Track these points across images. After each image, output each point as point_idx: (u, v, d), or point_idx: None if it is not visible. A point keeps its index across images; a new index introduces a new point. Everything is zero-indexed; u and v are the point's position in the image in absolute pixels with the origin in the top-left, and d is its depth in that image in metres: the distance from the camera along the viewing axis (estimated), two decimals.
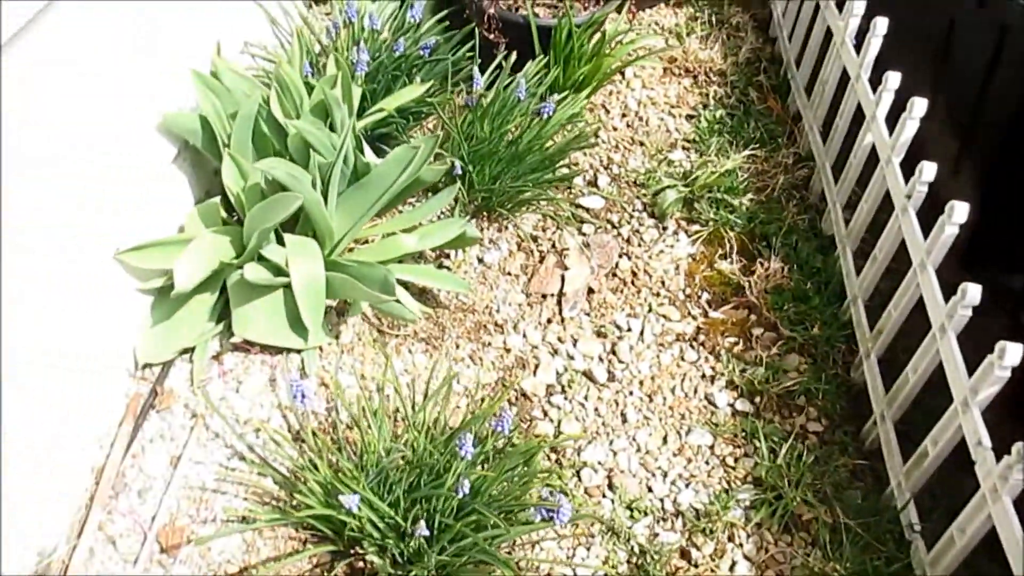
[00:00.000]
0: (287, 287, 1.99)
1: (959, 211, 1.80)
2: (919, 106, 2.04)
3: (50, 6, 1.63)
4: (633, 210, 2.62)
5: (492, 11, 2.77)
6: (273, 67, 2.59)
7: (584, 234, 2.51)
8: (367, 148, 2.18)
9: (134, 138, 2.00)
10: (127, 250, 1.92)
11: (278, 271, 1.98)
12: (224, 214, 2.13)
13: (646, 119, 2.98)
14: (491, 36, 2.80)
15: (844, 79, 2.55)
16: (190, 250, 1.91)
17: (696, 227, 2.55)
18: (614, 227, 2.56)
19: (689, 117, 3.00)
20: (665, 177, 2.69)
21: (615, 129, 2.94)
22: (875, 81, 2.30)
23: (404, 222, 2.24)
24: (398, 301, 2.00)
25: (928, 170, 1.94)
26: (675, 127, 2.95)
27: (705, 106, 3.03)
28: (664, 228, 2.56)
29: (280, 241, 2.03)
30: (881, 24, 2.32)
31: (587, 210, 2.60)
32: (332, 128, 2.12)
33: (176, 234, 2.10)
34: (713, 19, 3.45)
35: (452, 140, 2.44)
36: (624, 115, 3.00)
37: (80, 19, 1.75)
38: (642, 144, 2.86)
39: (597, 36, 2.85)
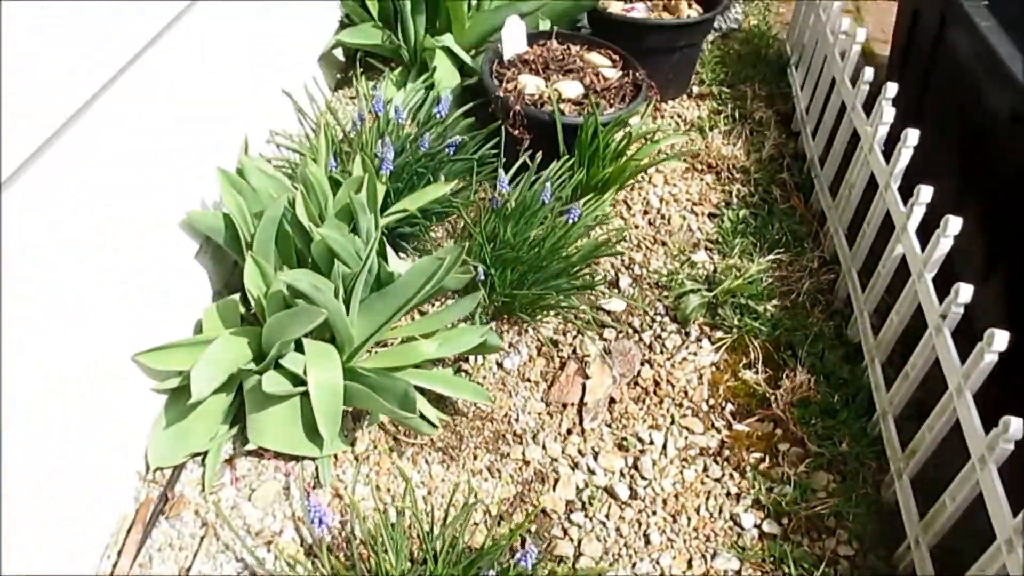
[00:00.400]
0: (304, 395, 1.94)
1: (999, 339, 1.75)
2: (953, 224, 2.01)
3: (88, 106, 1.63)
4: (655, 314, 2.58)
5: (518, 108, 2.77)
6: (299, 158, 2.58)
7: (605, 339, 2.47)
8: (388, 249, 2.15)
9: (158, 234, 1.98)
10: (144, 352, 1.88)
11: (296, 379, 1.94)
12: (243, 309, 2.10)
13: (668, 217, 2.95)
14: (516, 132, 2.80)
15: (871, 183, 2.52)
16: (207, 357, 1.87)
17: (720, 334, 2.51)
18: (636, 332, 2.52)
19: (712, 216, 2.98)
20: (688, 280, 2.65)
21: (637, 227, 2.92)
22: (904, 189, 2.27)
23: (424, 327, 2.19)
24: (421, 415, 1.95)
25: (964, 292, 1.89)
26: (698, 226, 2.92)
27: (728, 204, 3.01)
28: (687, 334, 2.51)
29: (299, 346, 1.99)
30: (912, 136, 2.29)
31: (608, 313, 2.56)
32: (356, 231, 2.09)
33: (193, 336, 2.06)
34: (736, 113, 3.45)
35: (474, 241, 2.42)
36: (646, 212, 2.98)
37: (115, 122, 1.74)
38: (664, 244, 2.83)
39: (622, 133, 2.84)
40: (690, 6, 3.52)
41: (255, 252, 1.99)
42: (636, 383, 2.37)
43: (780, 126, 3.42)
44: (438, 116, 2.62)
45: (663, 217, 2.96)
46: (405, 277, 1.96)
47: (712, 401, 2.35)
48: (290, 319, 1.84)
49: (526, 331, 2.46)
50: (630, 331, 2.52)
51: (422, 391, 2.12)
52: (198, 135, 2.10)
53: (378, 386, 1.95)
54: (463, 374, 2.33)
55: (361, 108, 2.66)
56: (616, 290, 2.63)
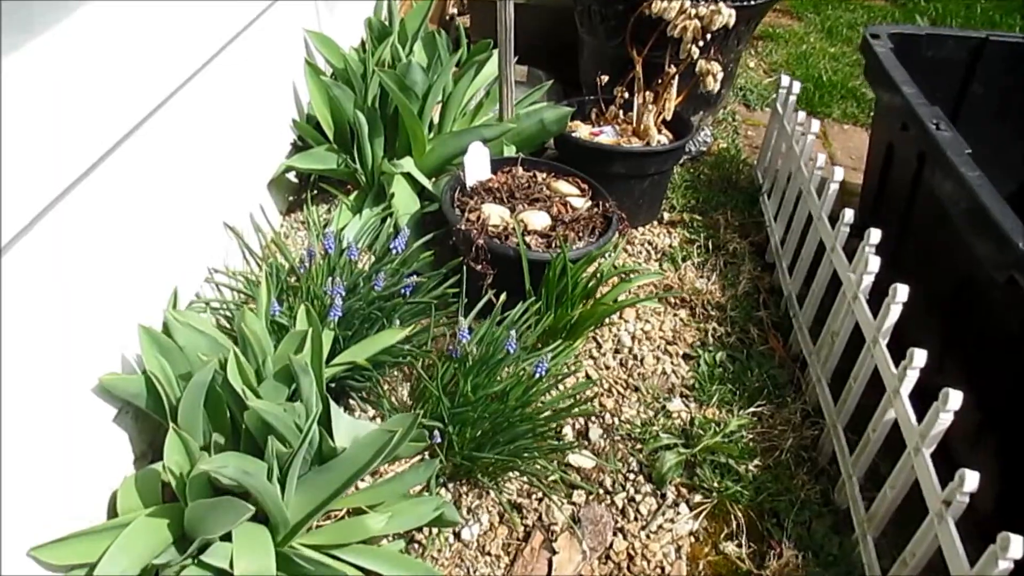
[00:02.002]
0: None
1: (1014, 545, 1.56)
2: (954, 399, 1.83)
3: None
4: (628, 471, 2.36)
5: (480, 242, 2.59)
6: (238, 303, 2.37)
7: (574, 503, 2.24)
8: (333, 406, 1.92)
9: (72, 400, 1.74)
10: (42, 546, 1.62)
11: (221, 573, 1.68)
12: (166, 477, 1.84)
13: (641, 358, 2.76)
14: (478, 267, 2.61)
15: (856, 330, 2.37)
16: (115, 551, 1.62)
17: (698, 497, 2.29)
18: (608, 493, 2.29)
19: (687, 357, 2.79)
20: (663, 432, 2.45)
21: (607, 368, 2.72)
22: (892, 347, 2.12)
23: (370, 498, 1.95)
24: None
25: (970, 480, 1.71)
26: (672, 369, 2.73)
27: (704, 344, 2.83)
28: (663, 496, 2.29)
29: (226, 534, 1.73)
30: (902, 292, 2.14)
31: (577, 470, 2.34)
32: (297, 394, 1.86)
33: (106, 518, 1.80)
34: (709, 244, 3.31)
35: (430, 396, 2.20)
36: (617, 351, 2.79)
37: (19, 273, 1.52)
38: (637, 389, 2.64)
39: (592, 269, 2.67)
40: (660, 131, 3.42)
41: (180, 423, 1.75)
42: (608, 557, 2.13)
43: (754, 257, 3.29)
44: (394, 252, 2.43)
45: (636, 358, 2.77)
46: (350, 452, 1.73)
47: None
48: (214, 512, 1.60)
49: (487, 494, 2.22)
50: (601, 492, 2.29)
51: (367, 573, 1.87)
52: (120, 283, 1.88)
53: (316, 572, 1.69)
54: (416, 546, 2.08)
55: (311, 242, 2.47)
56: (586, 442, 2.42)
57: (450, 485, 2.22)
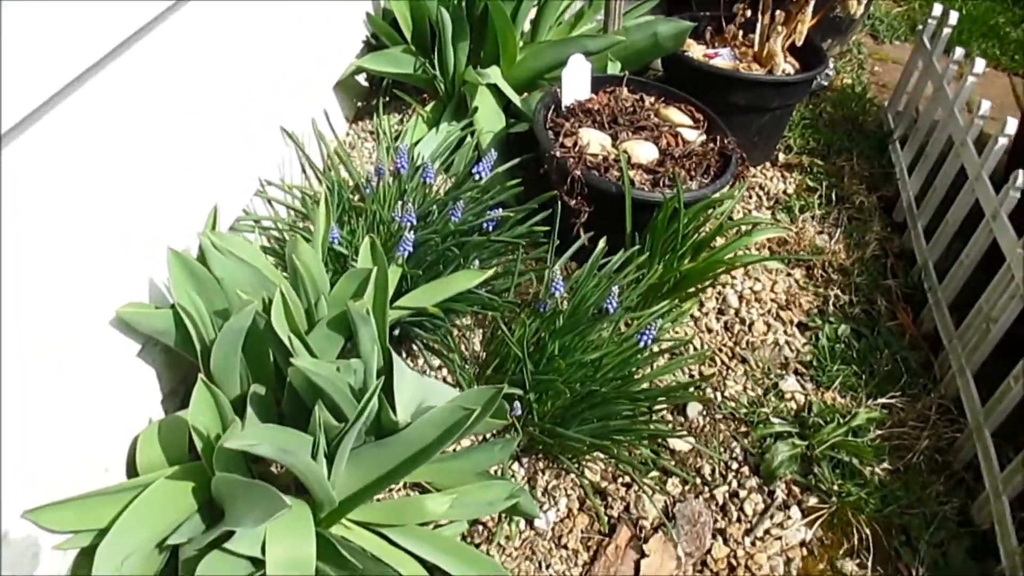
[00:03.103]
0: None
1: None
2: None
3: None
4: (731, 458, 2.00)
5: (577, 173, 2.20)
6: (292, 220, 2.03)
7: (668, 493, 1.89)
8: (396, 361, 1.58)
9: (87, 330, 1.43)
10: (40, 508, 1.33)
11: (253, 561, 1.38)
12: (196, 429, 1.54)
13: (750, 323, 2.38)
14: (572, 203, 2.23)
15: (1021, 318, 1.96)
16: (128, 521, 1.32)
17: (814, 500, 1.93)
18: (706, 485, 1.94)
19: (803, 327, 2.40)
20: (775, 417, 2.08)
21: (709, 331, 2.35)
22: None
23: (432, 474, 1.63)
24: None
25: None
26: (786, 340, 2.34)
27: (822, 313, 2.43)
28: (771, 495, 1.94)
29: None
30: None
31: (672, 453, 1.99)
32: (355, 348, 1.53)
33: (115, 483, 1.50)
34: (832, 195, 2.87)
35: (509, 353, 1.85)
36: (722, 312, 2.41)
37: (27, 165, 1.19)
38: (744, 361, 2.26)
39: (707, 220, 2.27)
40: (786, 59, 2.95)
41: (212, 371, 1.43)
42: (705, 565, 1.79)
43: (883, 215, 2.84)
44: (477, 177, 2.06)
45: (743, 322, 2.38)
46: (415, 429, 1.40)
47: None
48: (244, 499, 1.28)
49: (566, 474, 1.89)
50: (699, 482, 1.94)
51: (422, 562, 1.56)
52: (150, 193, 1.55)
53: (361, 572, 1.38)
54: (480, 531, 1.77)
55: (380, 157, 2.11)
56: (681, 419, 2.06)
57: (524, 460, 1.89)
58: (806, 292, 2.52)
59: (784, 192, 2.92)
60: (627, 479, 1.92)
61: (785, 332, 2.37)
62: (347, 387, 1.40)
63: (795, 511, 1.90)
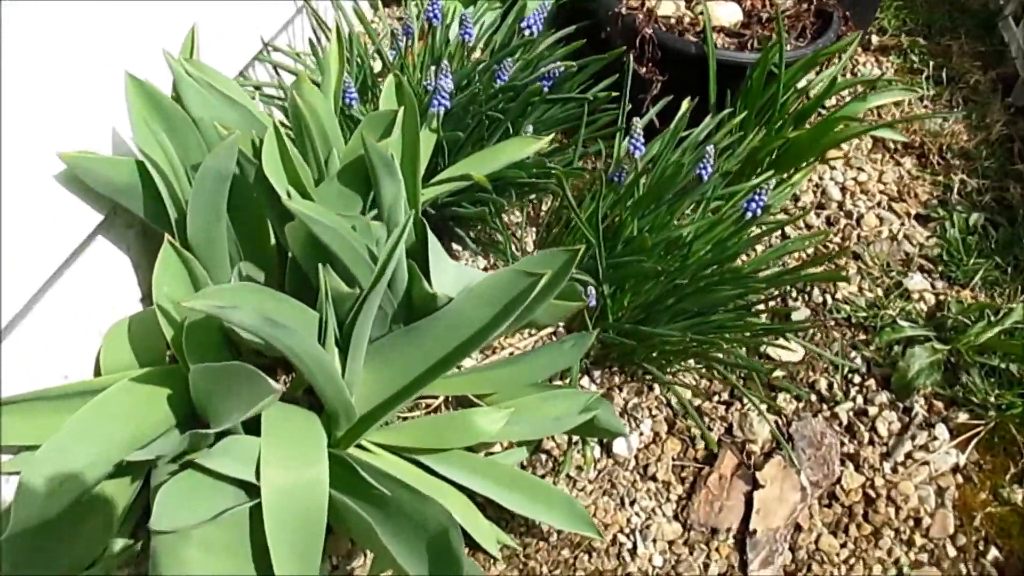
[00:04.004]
0: (257, 507, 1.02)
1: None
2: None
3: None
4: (850, 371, 1.60)
5: (648, 32, 1.79)
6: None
7: (778, 411, 1.50)
8: (433, 241, 1.19)
9: (34, 193, 1.06)
10: None
11: (243, 484, 1.01)
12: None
13: (857, 216, 1.96)
14: (643, 70, 1.82)
15: None
16: (74, 429, 0.96)
17: (963, 416, 1.52)
18: (823, 401, 1.55)
19: (924, 219, 1.98)
20: (903, 320, 1.67)
21: (808, 227, 1.94)
22: None
23: (480, 384, 1.25)
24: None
25: None
26: (904, 234, 1.93)
27: (945, 203, 2.00)
28: (909, 411, 1.53)
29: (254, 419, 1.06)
30: None
31: (776, 364, 1.59)
32: (377, 207, 1.15)
33: (74, 381, 1.15)
34: (943, 75, 2.42)
35: (575, 233, 1.46)
36: (822, 207, 1.99)
37: None
38: (857, 258, 1.85)
39: (804, 90, 1.85)
40: None
41: (192, 243, 1.06)
42: (834, 498, 1.40)
43: (1003, 96, 2.40)
44: (527, 32, 1.66)
45: (849, 216, 1.96)
46: (460, 303, 1.02)
47: (963, 540, 1.37)
48: (220, 383, 0.91)
49: (648, 390, 1.50)
50: (813, 399, 1.55)
51: (471, 496, 1.19)
52: (113, 21, 1.17)
53: (393, 507, 1.01)
54: (543, 460, 1.39)
55: (409, 17, 1.71)
56: (786, 324, 1.66)
57: (596, 373, 1.51)
58: (921, 181, 2.09)
59: (882, 78, 2.47)
60: (724, 396, 1.53)
61: (902, 225, 1.95)
62: (365, 249, 1.02)
63: (941, 430, 1.50)
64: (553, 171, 1.37)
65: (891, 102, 2.12)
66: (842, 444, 1.47)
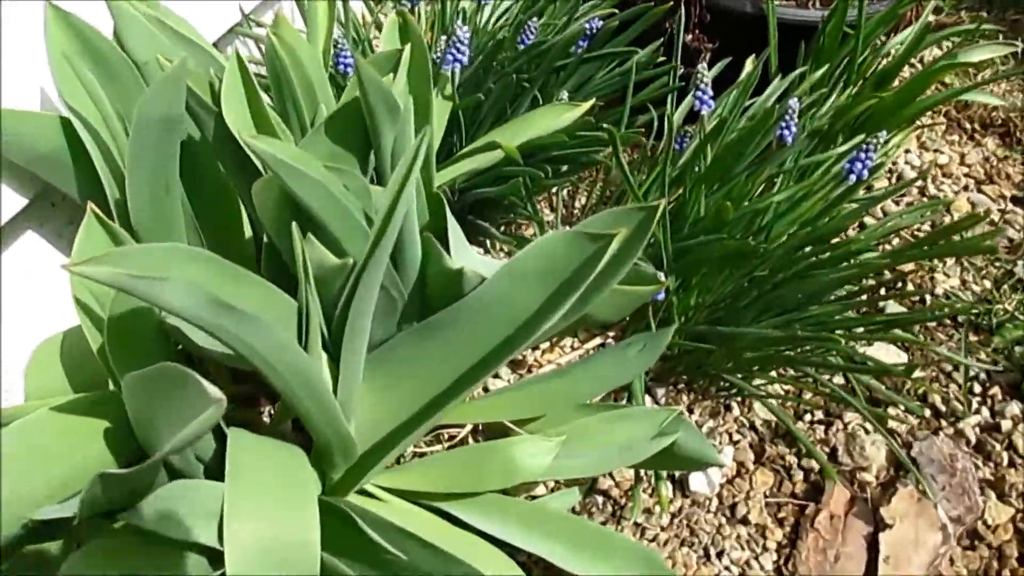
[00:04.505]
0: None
1: None
2: None
3: None
4: (969, 378, 1.30)
5: None
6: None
7: (891, 430, 1.20)
8: (453, 228, 0.90)
9: None
10: None
11: (199, 547, 0.72)
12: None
13: (944, 199, 1.68)
14: (688, 38, 1.55)
15: None
16: None
17: None
18: (940, 417, 1.25)
19: (1022, 202, 1.69)
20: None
21: (884, 214, 1.65)
22: None
23: (522, 406, 0.96)
24: None
25: None
26: (1004, 218, 1.64)
27: None
28: None
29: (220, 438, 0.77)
30: None
31: (870, 369, 1.29)
32: (376, 172, 0.87)
33: None
34: (1020, 52, 2.14)
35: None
36: (902, 194, 1.71)
37: None
38: (951, 245, 1.55)
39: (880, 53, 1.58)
40: None
41: (135, 224, 0.79)
42: (976, 536, 1.09)
43: None
44: None
45: (931, 200, 1.68)
46: (496, 285, 0.73)
47: None
48: (156, 402, 0.63)
49: (726, 408, 1.21)
50: (928, 415, 1.25)
51: (513, 554, 0.89)
52: None
53: (410, 572, 0.71)
54: (599, 503, 1.09)
55: None
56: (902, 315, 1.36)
57: (658, 392, 1.21)
58: (1011, 161, 1.81)
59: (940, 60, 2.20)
60: (818, 414, 1.23)
61: (1000, 208, 1.66)
62: (360, 212, 0.73)
63: None
64: (603, 132, 1.08)
65: (985, 58, 1.83)
66: (976, 468, 1.16)
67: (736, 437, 1.17)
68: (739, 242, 1.00)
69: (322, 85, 0.97)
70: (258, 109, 0.83)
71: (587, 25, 1.29)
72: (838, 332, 1.04)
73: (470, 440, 1.09)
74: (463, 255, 0.89)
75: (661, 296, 1.00)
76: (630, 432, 0.94)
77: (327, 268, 0.68)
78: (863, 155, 1.04)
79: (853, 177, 1.05)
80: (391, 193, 0.62)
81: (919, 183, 1.73)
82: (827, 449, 1.17)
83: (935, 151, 1.84)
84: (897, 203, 1.69)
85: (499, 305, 0.73)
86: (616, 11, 1.30)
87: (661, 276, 0.82)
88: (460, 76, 1.27)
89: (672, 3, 1.44)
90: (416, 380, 0.80)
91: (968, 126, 1.93)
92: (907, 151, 1.83)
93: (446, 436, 1.05)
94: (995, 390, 1.29)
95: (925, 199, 1.70)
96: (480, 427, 1.09)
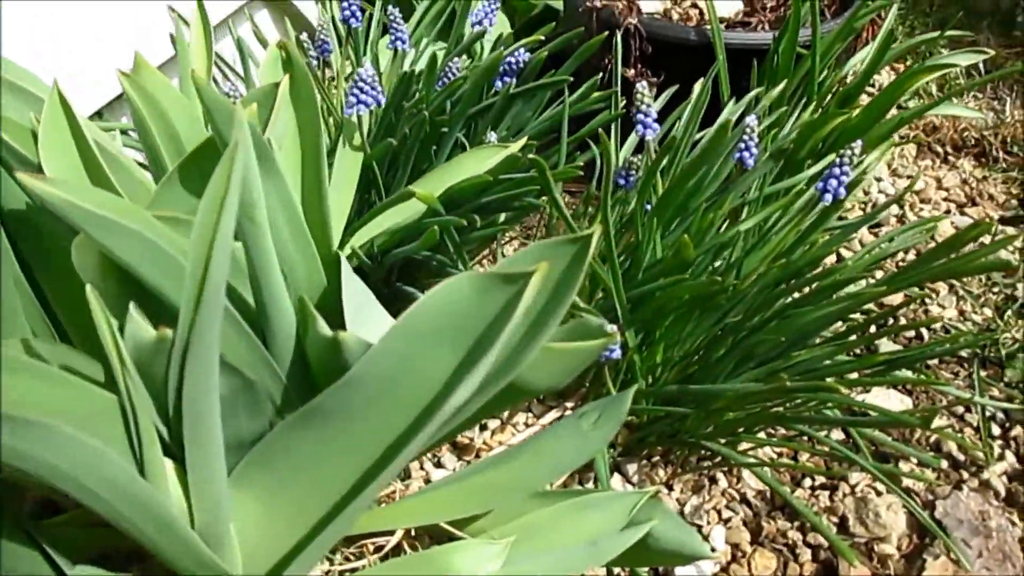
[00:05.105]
0: None
1: None
2: None
3: None
4: (986, 417, 1.13)
5: (632, 22, 1.40)
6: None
7: (910, 490, 1.02)
8: (350, 288, 0.73)
9: None
10: None
11: None
12: None
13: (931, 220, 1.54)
14: (630, 73, 1.42)
15: None
16: None
17: None
18: (959, 468, 1.07)
19: (1010, 221, 1.55)
20: None
21: (861, 245, 1.51)
22: None
23: (461, 502, 0.77)
24: None
25: None
26: (994, 240, 1.49)
27: None
28: None
29: None
30: None
31: (871, 419, 1.11)
32: (245, 212, 0.69)
33: None
34: (981, 66, 2.04)
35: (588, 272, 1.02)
36: (877, 224, 1.57)
37: None
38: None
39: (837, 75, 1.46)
40: None
41: None
42: None
43: None
44: (480, 24, 1.25)
45: (917, 222, 1.54)
46: (386, 350, 0.55)
47: None
48: None
49: (711, 481, 1.03)
50: (946, 466, 1.08)
51: None
52: None
53: None
54: None
55: (323, 25, 1.30)
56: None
57: (629, 468, 1.03)
58: (990, 181, 1.68)
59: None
60: (819, 478, 1.05)
61: (988, 232, 1.52)
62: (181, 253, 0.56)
63: None
64: (535, 168, 0.92)
65: (962, 63, 1.72)
66: (1012, 524, 0.98)
67: (726, 514, 0.99)
68: (702, 282, 0.84)
69: (195, 133, 0.81)
70: (90, 158, 0.67)
71: (512, 59, 1.15)
72: (830, 379, 0.86)
73: (405, 547, 0.89)
74: (367, 321, 0.72)
75: (616, 353, 0.82)
76: (594, 524, 0.76)
77: (144, 346, 0.51)
78: (838, 171, 0.89)
79: (829, 197, 0.90)
80: (198, 244, 0.44)
81: (896, 211, 1.60)
82: (835, 519, 0.98)
83: (908, 177, 1.71)
84: (876, 234, 1.55)
85: (393, 377, 0.55)
86: (543, 38, 1.16)
87: (611, 328, 0.65)
88: (375, 124, 1.12)
89: (608, 35, 1.31)
90: (301, 488, 0.62)
91: (940, 149, 1.81)
92: (879, 179, 1.70)
93: (371, 548, 0.86)
94: (1017, 430, 1.12)
95: (902, 224, 1.56)
96: (413, 531, 0.89)
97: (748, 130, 0.97)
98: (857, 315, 1.12)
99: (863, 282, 1.09)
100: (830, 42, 1.36)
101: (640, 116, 0.96)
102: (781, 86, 1.20)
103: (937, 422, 1.14)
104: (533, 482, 0.78)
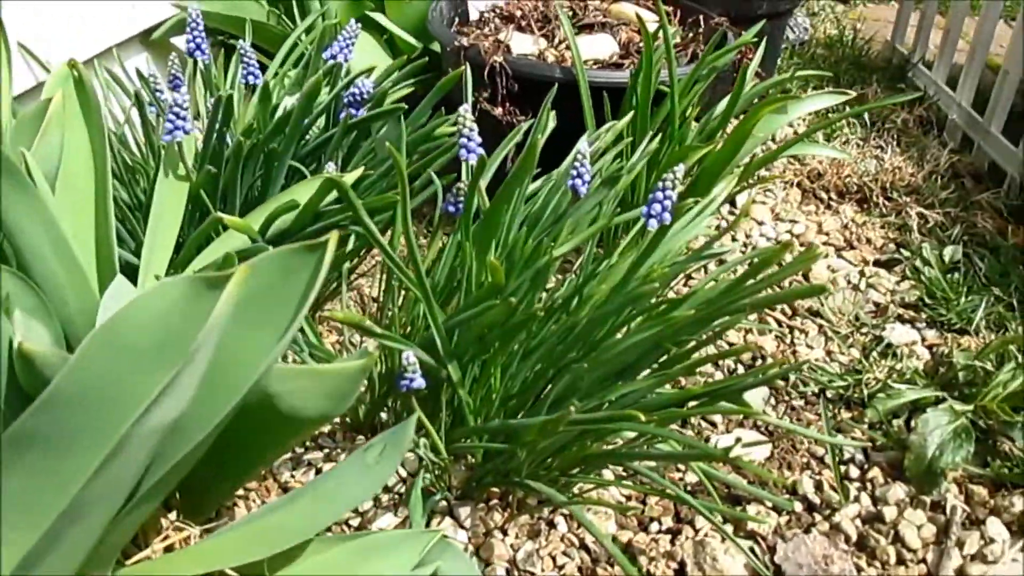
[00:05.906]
0: None
1: None
2: None
3: None
4: (842, 460, 1.10)
5: (499, 60, 1.39)
6: None
7: (751, 534, 0.98)
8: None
9: None
10: None
11: None
12: None
13: (803, 271, 1.53)
14: (499, 111, 1.40)
15: None
16: None
17: (1021, 502, 1.02)
18: (814, 510, 1.04)
19: (886, 264, 1.55)
20: (898, 383, 1.19)
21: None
22: None
23: (232, 552, 0.71)
24: None
25: None
26: (867, 283, 1.49)
27: (906, 244, 1.59)
28: (942, 508, 1.03)
29: None
30: None
31: (737, 467, 1.07)
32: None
33: None
34: (866, 117, 2.07)
35: (408, 301, 0.97)
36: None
37: None
38: (816, 315, 1.39)
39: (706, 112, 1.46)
40: None
41: None
42: None
43: (933, 135, 2.06)
44: (329, 60, 1.22)
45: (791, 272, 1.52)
46: (84, 367, 0.49)
47: None
48: None
49: (550, 526, 0.97)
50: (800, 508, 1.04)
51: None
52: None
53: None
54: None
55: (172, 62, 1.25)
56: (741, 408, 1.16)
57: (463, 512, 0.97)
58: (869, 226, 1.68)
59: (794, 128, 2.12)
60: (667, 521, 1.00)
61: (862, 272, 1.52)
62: None
63: (995, 526, 1.00)
64: (346, 198, 0.87)
65: (819, 110, 1.73)
66: (859, 570, 0.94)
67: (561, 560, 0.93)
68: (510, 305, 0.80)
69: None
70: None
71: (355, 88, 1.12)
72: (649, 412, 0.82)
73: None
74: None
75: (417, 383, 0.77)
76: (380, 567, 0.70)
77: None
78: (661, 195, 0.86)
79: (654, 222, 0.87)
80: None
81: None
82: (674, 564, 0.93)
83: (791, 221, 1.71)
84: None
85: (95, 391, 0.50)
86: (375, 65, 1.13)
87: (371, 346, 0.60)
88: (204, 154, 1.07)
89: (463, 69, 1.28)
90: (30, 528, 0.55)
91: (824, 196, 1.82)
92: (760, 223, 1.69)
93: None
94: (874, 472, 1.09)
95: (777, 268, 1.54)
96: None
97: (579, 155, 0.94)
98: (712, 349, 1.09)
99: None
100: (688, 81, 1.35)
101: (463, 140, 0.93)
102: (628, 117, 1.18)
103: (797, 462, 1.11)
104: (315, 523, 0.71)
